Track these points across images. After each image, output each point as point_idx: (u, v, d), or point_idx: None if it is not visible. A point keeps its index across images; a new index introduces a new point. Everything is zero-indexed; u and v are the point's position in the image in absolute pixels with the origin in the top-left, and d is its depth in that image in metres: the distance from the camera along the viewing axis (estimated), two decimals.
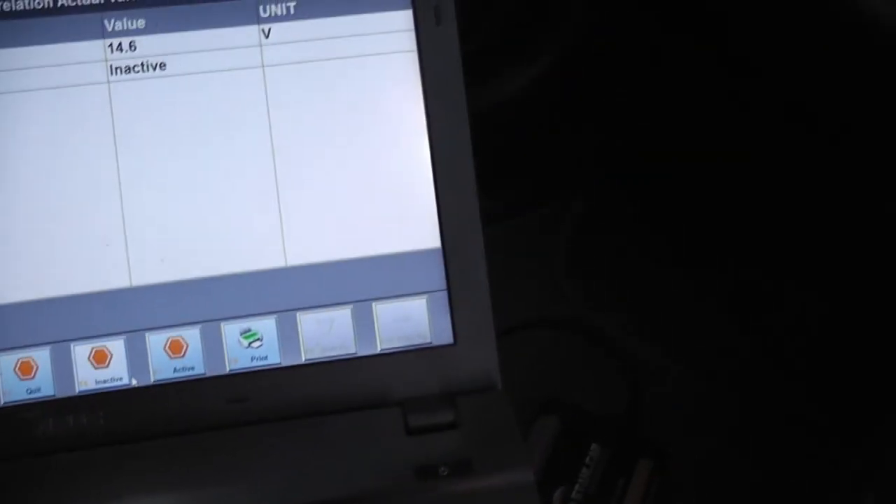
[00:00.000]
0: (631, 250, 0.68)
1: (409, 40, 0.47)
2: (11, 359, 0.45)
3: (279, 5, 0.47)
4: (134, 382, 0.45)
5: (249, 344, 0.46)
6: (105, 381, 0.45)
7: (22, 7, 0.46)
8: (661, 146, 0.66)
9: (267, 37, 0.46)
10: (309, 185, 0.46)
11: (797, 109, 0.56)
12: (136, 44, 0.46)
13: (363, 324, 0.46)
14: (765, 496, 0.58)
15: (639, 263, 0.67)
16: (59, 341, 0.45)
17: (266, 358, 0.46)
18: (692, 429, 0.61)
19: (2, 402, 0.45)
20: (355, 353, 0.46)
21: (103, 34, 0.46)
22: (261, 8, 0.46)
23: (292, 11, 0.47)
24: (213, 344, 0.46)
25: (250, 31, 0.47)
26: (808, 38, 0.53)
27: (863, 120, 0.53)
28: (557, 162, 0.71)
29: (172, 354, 0.45)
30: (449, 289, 0.46)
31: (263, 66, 0.46)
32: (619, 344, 0.66)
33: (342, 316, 0.46)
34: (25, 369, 0.45)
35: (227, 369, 0.46)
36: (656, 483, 0.58)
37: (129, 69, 0.46)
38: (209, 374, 0.46)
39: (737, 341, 0.64)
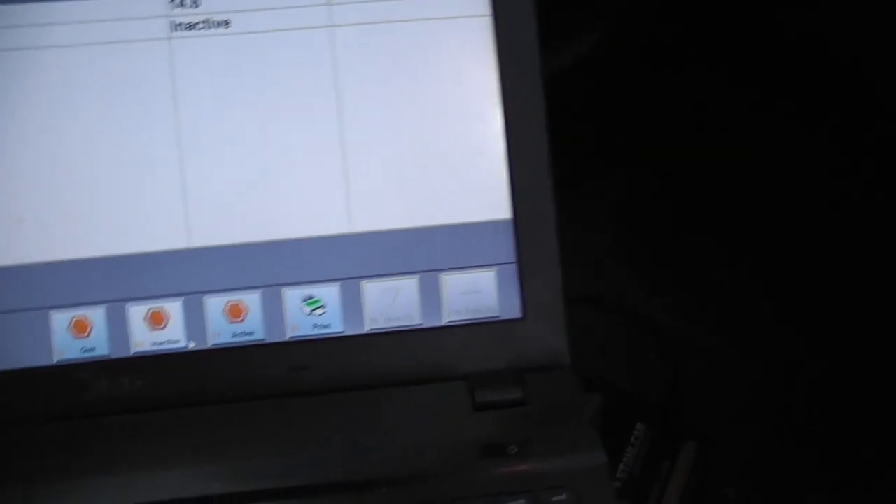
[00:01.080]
0: (676, 229, 0.67)
1: (484, 4, 0.45)
2: (66, 316, 0.44)
3: None
4: (191, 346, 0.44)
5: (311, 311, 0.44)
6: (161, 344, 0.44)
7: None
8: (708, 127, 0.65)
9: None
10: (377, 149, 0.45)
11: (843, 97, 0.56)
12: (200, 0, 0.44)
13: (429, 295, 0.45)
14: (809, 481, 0.58)
15: (684, 243, 0.66)
16: (114, 300, 0.44)
17: (328, 326, 0.44)
18: (736, 412, 0.61)
19: (55, 360, 0.44)
20: (420, 325, 0.45)
21: None
22: None
23: None
24: (273, 310, 0.44)
25: None
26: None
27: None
28: (602, 139, 0.70)
29: (231, 319, 0.44)
30: (519, 261, 0.45)
31: (331, 26, 0.45)
32: (662, 324, 0.65)
33: (408, 286, 0.45)
34: (80, 328, 0.44)
35: (288, 336, 0.44)
36: (700, 466, 0.58)
37: (191, 26, 0.45)
38: (269, 340, 0.45)
39: (781, 324, 0.63)
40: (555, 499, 0.40)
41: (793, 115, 0.60)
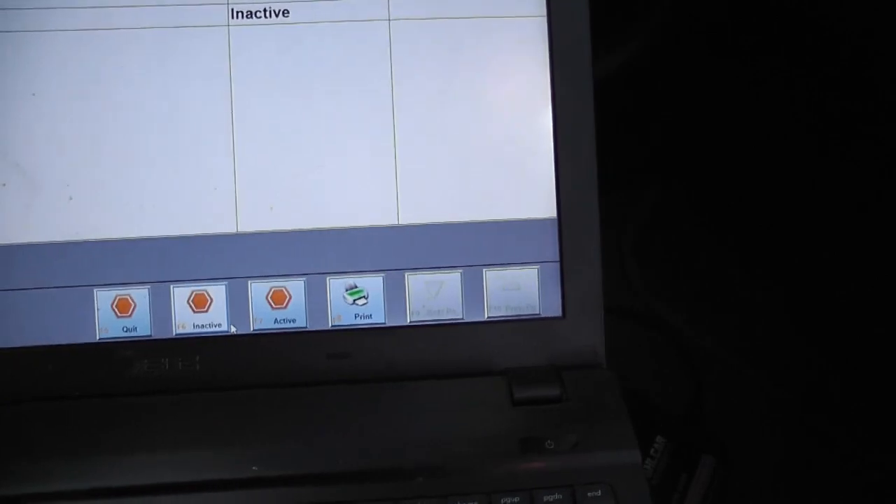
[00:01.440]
0: (701, 244, 0.67)
1: (539, 4, 0.46)
2: (109, 294, 0.44)
3: None
4: (233, 330, 0.45)
5: (354, 301, 0.45)
6: (203, 326, 0.45)
7: None
8: (737, 142, 0.66)
9: None
10: (427, 144, 0.45)
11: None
12: None
13: (472, 289, 0.45)
14: (826, 497, 0.58)
15: (709, 258, 0.67)
16: (159, 281, 0.44)
17: (370, 316, 0.45)
18: (756, 427, 0.61)
19: (98, 337, 0.44)
20: (462, 319, 0.45)
21: None
22: None
23: None
24: (317, 298, 0.45)
25: None
26: None
27: None
28: (632, 151, 0.70)
29: (275, 305, 0.45)
30: (562, 261, 0.45)
31: (389, 20, 0.45)
32: (685, 338, 0.65)
33: (451, 279, 0.45)
34: (123, 307, 0.44)
35: (330, 325, 0.45)
36: (718, 480, 0.58)
37: (250, 14, 0.45)
38: (311, 327, 0.45)
39: (802, 341, 0.63)
40: (591, 494, 0.40)
41: (827, 133, 0.60)
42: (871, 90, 0.56)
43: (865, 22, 0.54)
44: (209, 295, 0.44)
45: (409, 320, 0.45)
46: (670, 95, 0.67)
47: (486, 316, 0.45)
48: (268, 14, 0.45)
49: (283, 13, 0.45)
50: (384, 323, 0.45)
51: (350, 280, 0.45)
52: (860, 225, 0.59)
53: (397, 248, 0.45)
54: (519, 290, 0.45)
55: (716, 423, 0.60)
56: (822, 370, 0.61)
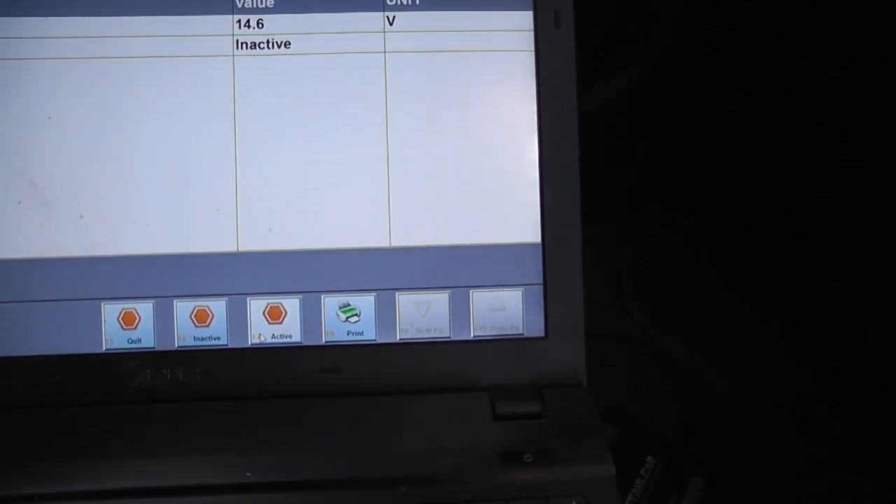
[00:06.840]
0: (697, 270, 0.68)
1: (527, 40, 0.48)
2: (116, 308, 0.47)
3: None
4: (232, 343, 0.47)
5: (347, 318, 0.47)
6: (204, 340, 0.47)
7: None
8: (733, 169, 0.67)
9: (391, 24, 0.48)
10: (419, 170, 0.48)
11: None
12: (264, 22, 0.48)
13: (459, 309, 0.47)
14: None
15: (703, 284, 0.68)
16: (162, 296, 0.47)
17: (362, 333, 0.47)
18: (745, 451, 0.62)
19: (104, 348, 0.47)
20: (449, 337, 0.48)
21: (233, 10, 0.48)
22: None
23: (417, 2, 0.49)
24: (311, 314, 0.47)
25: (375, 18, 0.48)
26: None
27: None
28: (631, 178, 0.72)
29: (271, 320, 0.47)
30: (545, 283, 0.47)
31: (385, 52, 0.48)
32: (678, 361, 0.66)
33: (440, 300, 0.47)
34: (129, 319, 0.47)
35: (323, 340, 0.47)
36: (708, 501, 0.59)
37: (254, 45, 0.48)
38: (305, 343, 0.47)
39: (795, 368, 0.64)
40: None
41: (822, 160, 0.61)
42: (866, 114, 0.57)
43: (862, 50, 0.56)
44: (210, 310, 0.47)
45: (398, 338, 0.47)
46: (669, 123, 0.68)
47: (472, 335, 0.47)
48: (271, 45, 0.47)
49: (286, 45, 0.47)
50: (375, 340, 0.47)
51: (343, 298, 0.47)
52: (855, 251, 0.60)
53: (389, 270, 0.47)
54: (504, 310, 0.47)
55: (706, 446, 0.61)
56: (814, 395, 0.62)
